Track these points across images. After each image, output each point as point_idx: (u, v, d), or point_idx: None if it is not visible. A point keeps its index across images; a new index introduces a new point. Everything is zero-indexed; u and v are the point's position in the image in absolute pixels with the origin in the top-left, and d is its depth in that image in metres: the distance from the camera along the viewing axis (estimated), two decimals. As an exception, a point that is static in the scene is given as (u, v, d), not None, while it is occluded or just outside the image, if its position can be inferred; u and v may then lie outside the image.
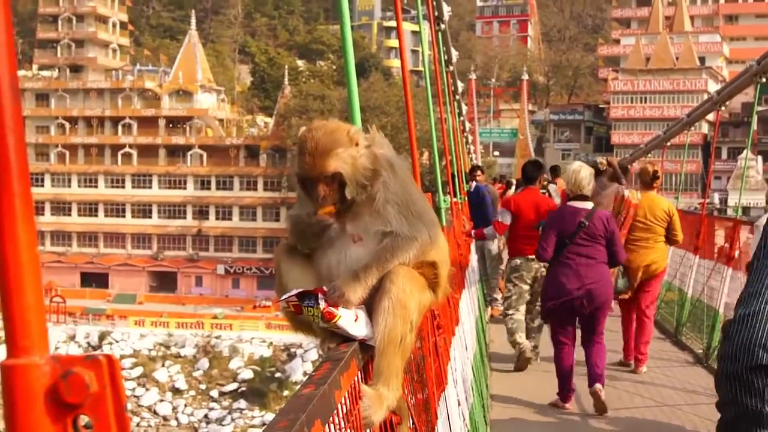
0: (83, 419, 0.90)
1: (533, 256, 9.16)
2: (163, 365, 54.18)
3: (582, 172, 8.00)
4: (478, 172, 14.79)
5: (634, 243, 9.41)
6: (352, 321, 2.53)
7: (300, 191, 2.77)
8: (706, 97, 22.93)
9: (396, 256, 2.63)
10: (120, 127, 76.55)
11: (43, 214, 72.06)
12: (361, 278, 2.57)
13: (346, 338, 2.57)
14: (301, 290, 2.55)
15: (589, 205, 7.88)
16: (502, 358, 10.50)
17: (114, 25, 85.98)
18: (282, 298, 2.57)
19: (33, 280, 0.89)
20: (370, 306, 2.60)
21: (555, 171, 16.90)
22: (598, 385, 7.70)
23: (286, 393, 48.93)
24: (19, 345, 0.89)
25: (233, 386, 52.34)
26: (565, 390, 8.02)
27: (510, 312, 9.95)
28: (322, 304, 2.51)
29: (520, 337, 9.88)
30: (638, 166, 12.15)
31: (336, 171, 2.61)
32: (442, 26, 10.59)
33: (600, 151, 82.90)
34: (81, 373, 0.89)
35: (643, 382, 9.29)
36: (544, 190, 12.28)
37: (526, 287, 9.96)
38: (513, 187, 17.41)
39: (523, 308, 9.98)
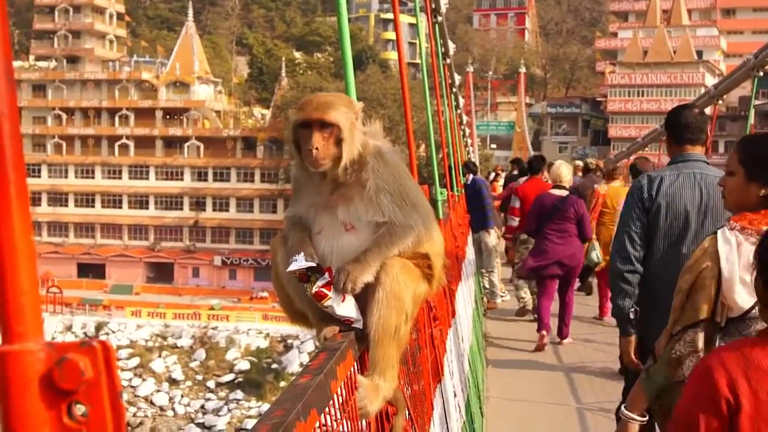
0: (79, 408, 0.90)
1: None
2: (159, 356, 54.15)
3: (562, 167, 10.44)
4: (467, 173, 14.66)
5: (603, 223, 11.41)
6: (339, 302, 2.55)
7: (298, 173, 2.80)
8: (703, 90, 22.97)
9: (395, 243, 2.65)
10: (117, 119, 76.38)
11: (40, 205, 71.97)
12: (365, 263, 2.59)
13: (341, 325, 2.59)
14: (314, 264, 2.57)
15: (564, 192, 10.15)
16: (499, 351, 10.54)
17: (111, 16, 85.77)
18: (291, 267, 2.58)
19: (28, 267, 0.89)
20: (363, 296, 2.61)
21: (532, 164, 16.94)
22: (567, 340, 10.53)
23: (282, 384, 48.94)
24: (13, 331, 0.88)
25: (230, 377, 52.31)
26: (541, 325, 10.23)
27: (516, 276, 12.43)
28: (321, 283, 2.54)
29: (525, 293, 12.17)
30: (634, 159, 12.44)
31: (335, 122, 2.64)
32: (440, 18, 10.59)
33: (597, 145, 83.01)
34: (76, 360, 0.89)
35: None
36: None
37: None
38: (501, 180, 18.27)
39: None
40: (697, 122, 4.95)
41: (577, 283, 11.93)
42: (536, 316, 10.90)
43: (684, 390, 2.58)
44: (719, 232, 3.42)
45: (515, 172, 16.88)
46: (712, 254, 3.38)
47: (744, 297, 3.29)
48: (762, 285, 2.51)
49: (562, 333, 10.51)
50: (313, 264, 2.58)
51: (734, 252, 3.33)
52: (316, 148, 2.63)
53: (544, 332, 10.19)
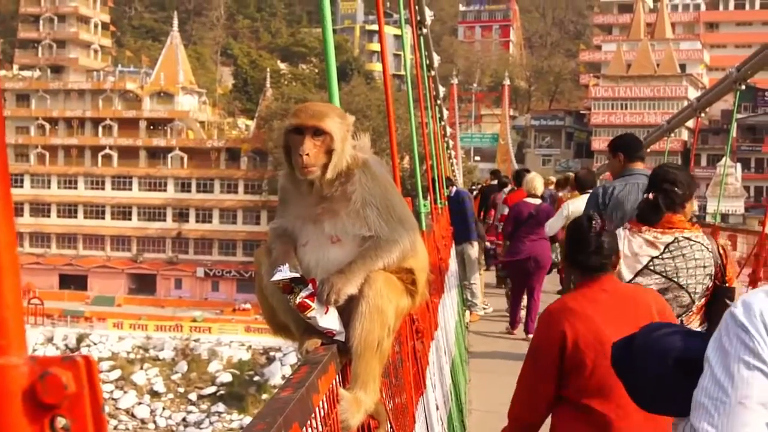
0: (60, 421, 0.90)
1: None
2: (141, 368, 53.96)
3: (536, 180, 11.90)
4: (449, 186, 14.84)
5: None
6: (323, 313, 2.55)
7: (285, 185, 2.80)
8: (686, 103, 23.08)
9: (380, 257, 2.64)
10: (100, 129, 76.21)
11: (22, 216, 71.62)
12: (350, 275, 2.59)
13: (323, 337, 2.58)
14: (298, 275, 2.56)
15: (537, 201, 11.64)
16: (482, 363, 10.54)
17: (96, 26, 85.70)
18: (276, 276, 2.57)
19: (12, 280, 0.88)
20: (347, 309, 2.60)
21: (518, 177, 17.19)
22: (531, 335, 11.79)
23: (264, 396, 48.82)
24: (-5, 345, 0.88)
25: (212, 389, 52.18)
26: (514, 322, 11.92)
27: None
28: (305, 294, 2.53)
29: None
30: (579, 171, 13.31)
31: (329, 131, 2.65)
32: (424, 30, 10.61)
33: (580, 157, 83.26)
34: (58, 374, 0.88)
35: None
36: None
37: None
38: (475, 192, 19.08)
39: None
40: (640, 144, 6.47)
41: (558, 287, 12.98)
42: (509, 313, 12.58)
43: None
44: (617, 230, 4.71)
45: (494, 182, 17.23)
46: None
47: (624, 272, 4.65)
48: (567, 248, 3.96)
49: (528, 329, 11.34)
50: (297, 275, 2.57)
51: (623, 242, 4.65)
52: (307, 154, 2.63)
53: (515, 332, 11.82)
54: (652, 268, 4.67)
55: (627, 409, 3.36)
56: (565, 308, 3.82)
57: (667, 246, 4.70)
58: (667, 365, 2.32)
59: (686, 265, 4.71)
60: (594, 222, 3.84)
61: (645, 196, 4.90)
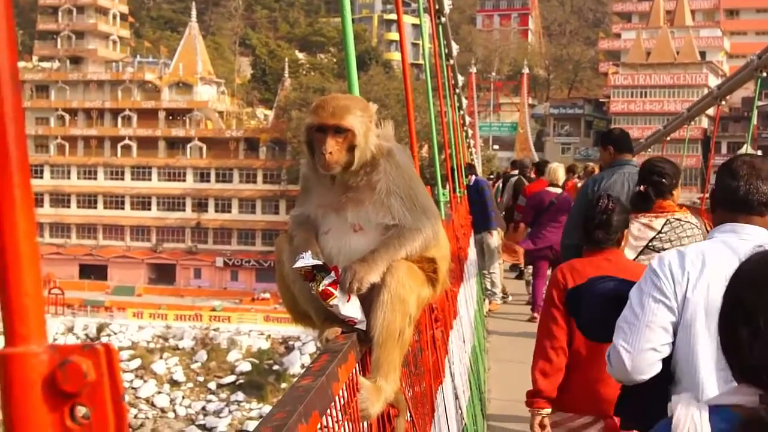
0: (81, 410, 0.90)
1: None
2: (161, 357, 54.16)
3: (559, 170, 12.22)
4: (469, 174, 14.80)
5: None
6: (345, 302, 2.55)
7: (307, 173, 2.80)
8: (706, 91, 22.96)
9: (403, 246, 2.64)
10: (120, 119, 76.43)
11: (42, 206, 71.91)
12: (373, 263, 2.59)
13: (344, 326, 2.58)
14: (320, 263, 2.56)
15: (558, 190, 11.90)
16: (501, 352, 10.53)
17: (114, 17, 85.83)
18: (298, 263, 2.57)
19: (31, 269, 0.89)
20: (368, 298, 2.60)
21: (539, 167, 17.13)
22: None
23: (283, 385, 48.94)
24: (17, 333, 0.89)
25: (231, 378, 52.31)
26: (535, 306, 11.81)
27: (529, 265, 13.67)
28: (327, 281, 2.53)
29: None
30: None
31: (350, 128, 2.64)
32: (443, 19, 10.59)
33: (599, 145, 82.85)
34: (78, 362, 0.89)
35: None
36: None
37: None
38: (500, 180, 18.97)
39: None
40: (628, 138, 7.17)
41: None
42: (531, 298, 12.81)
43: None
44: None
45: (514, 172, 17.06)
46: None
47: (628, 253, 4.99)
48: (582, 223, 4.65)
49: None
50: (320, 262, 2.58)
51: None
52: (330, 153, 2.62)
53: (536, 315, 11.30)
54: (651, 247, 5.16)
55: None
56: (571, 267, 4.54)
57: (662, 227, 5.23)
58: (602, 302, 3.14)
59: (680, 243, 5.09)
60: (601, 201, 4.52)
61: (636, 188, 5.44)
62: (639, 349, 2.82)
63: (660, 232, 5.25)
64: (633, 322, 2.85)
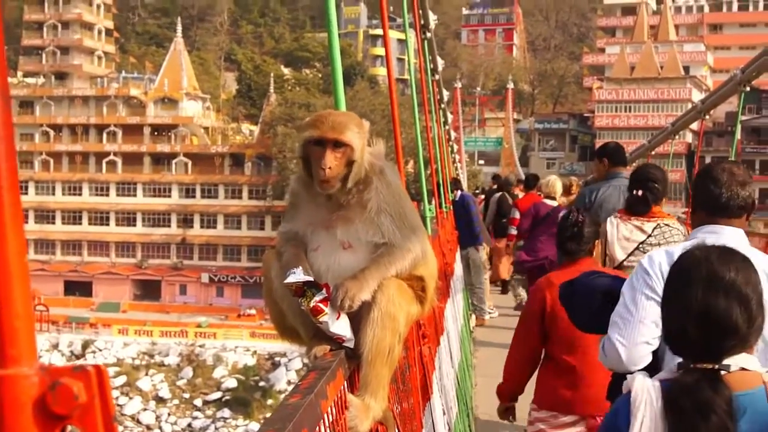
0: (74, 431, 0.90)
1: None
2: (146, 374, 53.98)
3: (557, 183, 12.12)
4: (455, 189, 14.84)
5: None
6: (334, 319, 2.54)
7: (296, 189, 2.78)
8: (690, 106, 23.04)
9: (393, 264, 2.64)
10: (105, 135, 76.30)
11: (26, 222, 71.45)
12: (364, 281, 2.58)
13: (332, 343, 2.57)
14: (311, 279, 2.55)
15: (555, 203, 11.86)
16: (487, 367, 10.51)
17: (99, 32, 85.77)
18: (289, 279, 2.55)
19: (22, 290, 0.88)
20: (357, 315, 2.60)
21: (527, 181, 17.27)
22: None
23: (270, 402, 48.85)
24: (7, 355, 0.88)
25: (217, 395, 52.18)
26: None
27: (515, 276, 14.29)
28: (318, 298, 2.52)
29: (521, 291, 13.97)
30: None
31: (349, 142, 2.64)
32: (428, 35, 10.62)
33: (584, 160, 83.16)
34: (69, 384, 0.88)
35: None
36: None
37: None
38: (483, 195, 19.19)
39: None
40: (623, 151, 7.58)
41: None
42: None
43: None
44: (608, 219, 5.80)
45: (494, 187, 17.34)
46: (603, 231, 5.51)
47: (619, 253, 5.64)
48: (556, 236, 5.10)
49: None
50: (311, 278, 2.56)
51: (614, 228, 5.72)
52: (329, 167, 2.61)
53: None
54: (642, 249, 5.55)
55: (594, 364, 3.97)
56: (548, 281, 4.91)
57: (652, 230, 5.64)
58: (597, 297, 3.38)
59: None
60: (572, 215, 4.97)
61: (634, 192, 5.77)
62: (633, 343, 3.09)
63: (650, 235, 5.65)
64: (627, 318, 3.11)
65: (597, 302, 3.36)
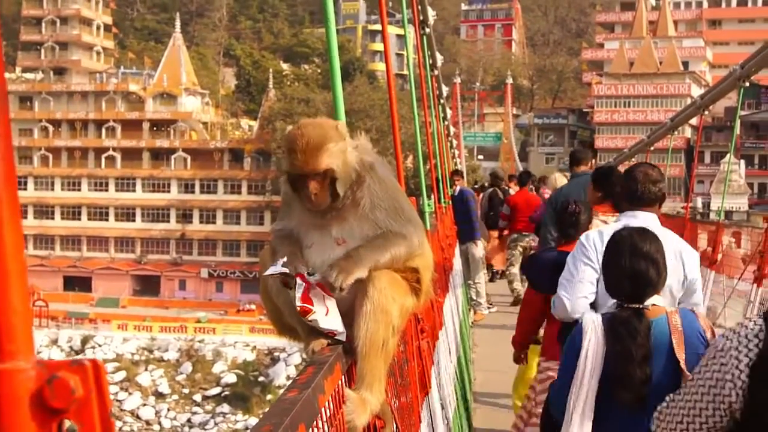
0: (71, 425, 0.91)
1: (525, 232, 13.31)
2: (146, 369, 54.01)
3: (560, 179, 12.08)
4: (458, 177, 14.88)
5: None
6: (323, 315, 2.54)
7: (289, 192, 2.76)
8: (689, 101, 23.07)
9: (388, 248, 2.63)
10: (104, 130, 76.21)
11: (25, 218, 71.46)
12: (358, 258, 2.58)
13: (329, 338, 2.58)
14: (286, 270, 2.55)
15: None
16: (486, 362, 10.52)
17: (98, 28, 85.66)
18: (268, 271, 2.57)
19: (19, 286, 0.89)
20: (351, 309, 2.60)
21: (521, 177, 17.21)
22: None
23: (269, 397, 48.87)
24: (4, 349, 0.88)
25: (216, 390, 52.20)
26: None
27: (510, 268, 13.99)
28: (298, 293, 2.52)
29: (517, 284, 13.80)
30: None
31: (328, 167, 2.60)
32: (427, 30, 10.62)
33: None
34: (66, 378, 0.89)
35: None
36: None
37: (519, 251, 13.69)
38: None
39: (518, 265, 13.43)
40: (582, 153, 8.79)
41: None
42: None
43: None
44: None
45: (486, 184, 17.73)
46: None
47: None
48: (557, 222, 6.17)
49: None
50: (287, 270, 2.56)
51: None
52: (315, 195, 2.61)
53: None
54: None
55: None
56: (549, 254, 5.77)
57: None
58: (548, 266, 5.01)
59: None
60: (570, 207, 5.68)
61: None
62: (575, 297, 4.30)
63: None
64: (570, 279, 4.36)
65: (549, 270, 4.80)
